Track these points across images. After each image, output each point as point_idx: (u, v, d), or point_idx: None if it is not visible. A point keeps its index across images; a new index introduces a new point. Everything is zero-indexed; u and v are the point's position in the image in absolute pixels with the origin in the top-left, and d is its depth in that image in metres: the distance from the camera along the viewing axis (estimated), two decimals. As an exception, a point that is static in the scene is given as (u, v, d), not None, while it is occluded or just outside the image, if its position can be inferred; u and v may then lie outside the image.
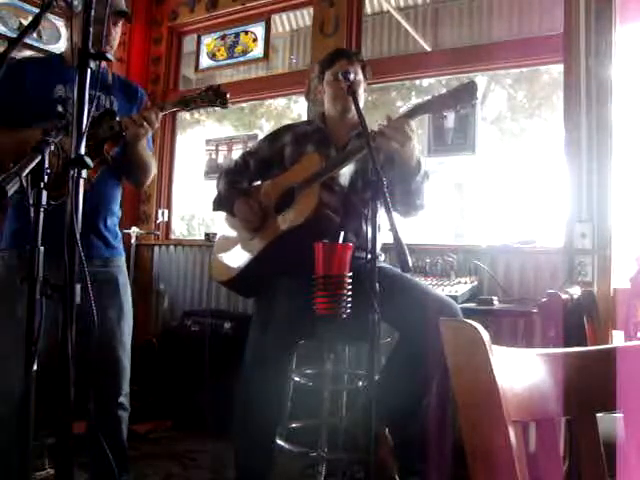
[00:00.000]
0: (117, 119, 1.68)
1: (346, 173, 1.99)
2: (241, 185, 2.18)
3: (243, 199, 2.05)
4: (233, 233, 2.13)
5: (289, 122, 2.50)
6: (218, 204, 2.20)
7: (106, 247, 1.83)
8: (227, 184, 2.17)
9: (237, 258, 2.07)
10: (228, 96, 1.86)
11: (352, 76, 1.81)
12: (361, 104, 2.09)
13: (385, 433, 1.77)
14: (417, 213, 2.00)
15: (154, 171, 1.94)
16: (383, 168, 1.98)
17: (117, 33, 1.82)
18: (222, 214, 2.24)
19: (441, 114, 1.77)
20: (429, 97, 1.81)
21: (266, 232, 1.99)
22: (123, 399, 1.83)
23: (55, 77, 1.78)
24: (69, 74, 1.77)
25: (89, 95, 1.80)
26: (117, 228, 1.92)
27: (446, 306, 1.81)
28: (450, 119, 2.86)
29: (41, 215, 1.11)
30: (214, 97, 1.84)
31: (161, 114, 1.75)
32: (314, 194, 1.88)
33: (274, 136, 2.20)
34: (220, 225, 2.29)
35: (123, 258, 1.91)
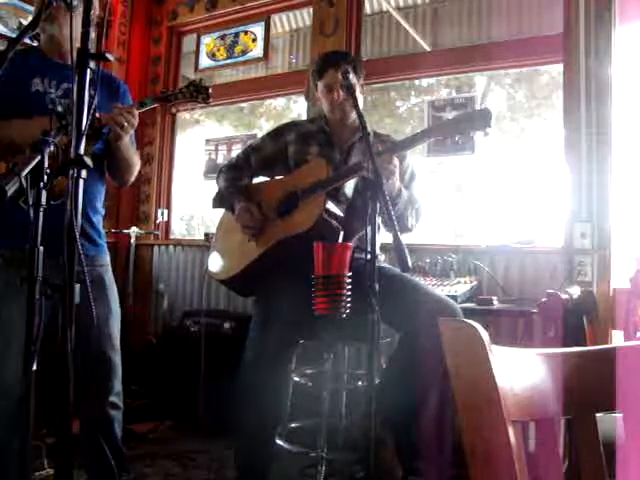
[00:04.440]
0: (97, 115, 1.63)
1: (351, 183, 2.00)
2: (242, 182, 2.17)
3: (244, 204, 2.02)
4: (232, 232, 2.12)
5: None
6: (219, 202, 2.20)
7: (91, 245, 1.80)
8: (227, 181, 2.16)
9: (236, 258, 2.06)
10: (210, 91, 1.85)
11: (349, 76, 1.80)
12: (359, 104, 2.09)
13: (387, 435, 1.77)
14: (402, 233, 2.01)
15: (137, 168, 1.89)
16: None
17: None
18: (221, 210, 2.23)
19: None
20: (444, 121, 1.81)
21: (266, 235, 1.99)
22: (114, 398, 1.81)
23: (32, 70, 1.74)
24: (47, 67, 1.74)
25: (66, 89, 1.75)
26: (101, 226, 1.88)
27: (446, 306, 1.81)
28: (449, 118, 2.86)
29: (40, 215, 1.10)
30: (195, 92, 1.82)
31: (138, 111, 1.71)
32: (319, 203, 1.88)
33: (277, 133, 2.19)
34: (217, 223, 2.28)
35: (108, 257, 1.88)
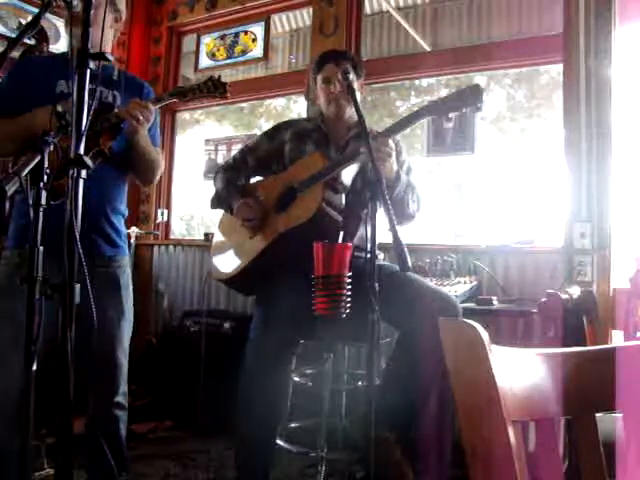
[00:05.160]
0: (115, 110, 1.67)
1: (349, 173, 2.00)
2: (239, 182, 2.17)
3: (242, 200, 2.03)
4: (232, 231, 2.13)
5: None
6: (217, 203, 2.20)
7: (109, 246, 1.81)
8: (224, 182, 2.16)
9: (237, 257, 2.07)
10: (228, 86, 1.84)
11: (348, 75, 1.80)
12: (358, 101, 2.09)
13: (392, 439, 1.77)
14: (406, 222, 2.01)
15: (161, 168, 1.90)
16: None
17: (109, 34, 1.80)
18: (220, 211, 2.23)
19: (446, 116, 1.78)
20: (435, 99, 1.81)
21: (267, 231, 1.99)
22: (120, 398, 1.81)
23: (58, 73, 1.76)
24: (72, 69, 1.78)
25: (90, 90, 1.80)
26: (122, 226, 1.89)
27: (445, 301, 1.81)
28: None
29: (40, 215, 1.10)
30: (213, 88, 1.82)
31: (157, 105, 1.74)
32: (317, 193, 1.88)
33: (273, 132, 2.19)
34: (217, 222, 2.28)
35: (127, 257, 1.88)
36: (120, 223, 1.87)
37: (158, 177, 1.93)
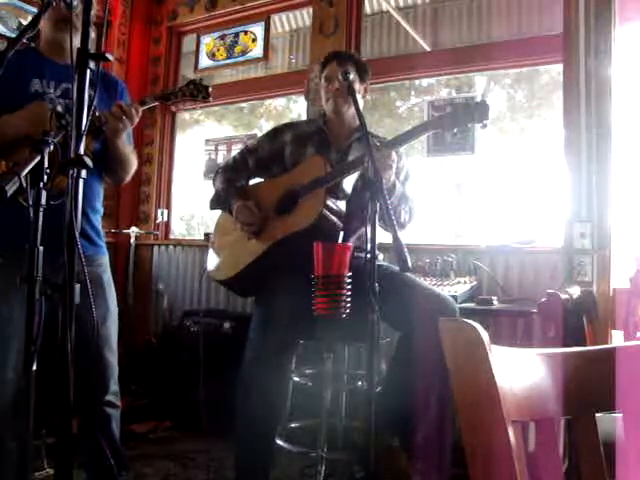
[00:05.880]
0: (96, 113, 1.65)
1: (349, 179, 2.00)
2: (239, 183, 2.17)
3: (242, 202, 2.03)
4: (230, 231, 2.12)
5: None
6: (216, 203, 2.19)
7: (89, 245, 1.80)
8: (224, 182, 2.16)
9: (235, 258, 2.06)
10: (210, 90, 1.86)
11: (349, 76, 1.80)
12: (360, 104, 2.09)
13: (398, 446, 1.77)
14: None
15: (134, 167, 1.90)
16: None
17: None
18: (218, 211, 2.23)
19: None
20: (441, 114, 1.81)
21: (267, 234, 1.98)
22: (111, 397, 1.80)
23: (30, 71, 1.74)
24: (45, 67, 1.75)
25: (65, 89, 1.77)
26: (100, 226, 1.89)
27: (440, 303, 1.81)
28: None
29: (40, 215, 1.10)
30: (196, 91, 1.83)
31: (141, 109, 1.73)
32: (319, 199, 1.88)
33: (274, 134, 2.19)
34: (215, 223, 2.27)
35: (107, 257, 1.88)
36: (98, 222, 1.88)
37: (131, 176, 1.92)
